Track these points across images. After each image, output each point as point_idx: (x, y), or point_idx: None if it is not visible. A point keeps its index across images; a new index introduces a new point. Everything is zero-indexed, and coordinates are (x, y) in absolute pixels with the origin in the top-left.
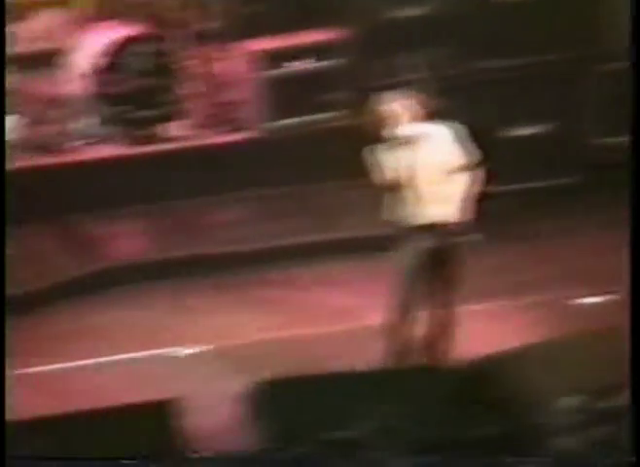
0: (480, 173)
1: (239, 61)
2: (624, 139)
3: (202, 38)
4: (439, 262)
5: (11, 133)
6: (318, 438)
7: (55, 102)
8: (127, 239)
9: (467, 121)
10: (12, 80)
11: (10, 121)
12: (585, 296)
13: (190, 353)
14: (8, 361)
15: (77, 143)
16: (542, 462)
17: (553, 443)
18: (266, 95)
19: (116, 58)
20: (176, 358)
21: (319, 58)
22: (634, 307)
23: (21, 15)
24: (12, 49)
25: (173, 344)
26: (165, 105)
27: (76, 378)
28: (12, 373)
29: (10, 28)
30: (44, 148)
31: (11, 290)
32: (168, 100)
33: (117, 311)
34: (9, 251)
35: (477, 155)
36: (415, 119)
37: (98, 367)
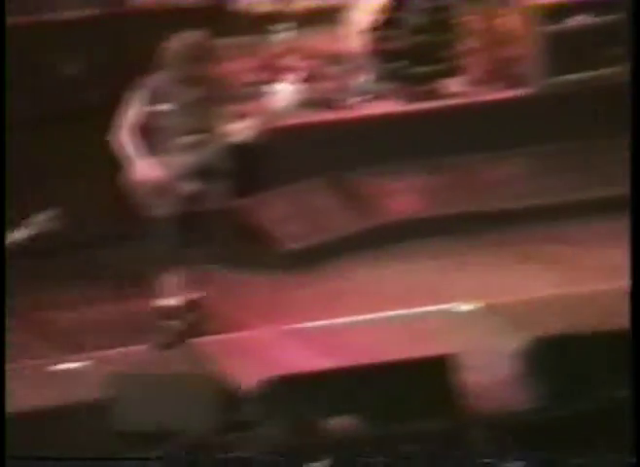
0: None
1: (518, 17)
2: None
3: None
4: None
5: (287, 96)
6: (598, 396)
7: (334, 59)
8: (405, 196)
9: None
10: (291, 36)
11: (283, 87)
12: None
13: (468, 310)
14: (282, 316)
15: (355, 99)
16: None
17: None
18: (544, 51)
19: (394, 14)
20: (454, 314)
21: (598, 14)
22: (634, 307)
23: None
24: (290, 6)
25: (451, 301)
26: (443, 61)
27: (350, 334)
28: (286, 327)
29: None
30: (322, 104)
31: (289, 245)
32: (445, 56)
33: (393, 267)
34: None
35: None
36: None
37: (373, 323)
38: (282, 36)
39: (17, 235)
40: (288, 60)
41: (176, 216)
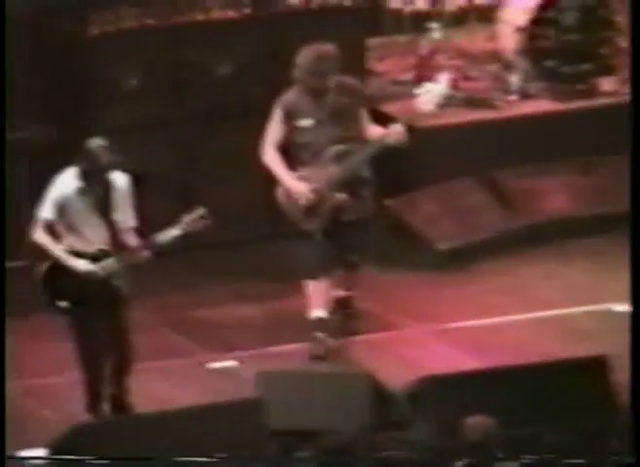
0: None
1: None
2: None
3: None
4: None
5: (437, 96)
6: None
7: (486, 58)
8: (556, 195)
9: None
10: (444, 35)
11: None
12: None
13: (622, 310)
14: (432, 315)
15: (507, 98)
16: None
17: None
18: None
19: (546, 13)
20: (607, 314)
21: None
22: (634, 307)
23: None
24: (443, 5)
25: (604, 301)
26: (595, 60)
27: (502, 334)
28: (437, 327)
29: None
30: (474, 103)
31: (440, 244)
32: (598, 55)
33: (545, 267)
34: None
35: None
36: None
37: (525, 323)
38: (435, 35)
39: (165, 235)
40: (440, 59)
41: (326, 227)
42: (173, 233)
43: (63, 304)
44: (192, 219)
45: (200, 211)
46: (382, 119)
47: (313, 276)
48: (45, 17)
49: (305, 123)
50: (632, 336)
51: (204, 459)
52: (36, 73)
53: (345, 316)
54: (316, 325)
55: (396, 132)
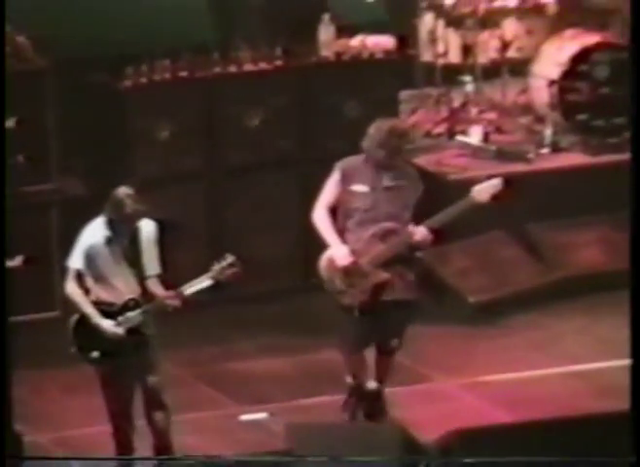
0: None
1: None
2: None
3: None
4: None
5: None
6: None
7: (519, 110)
8: (588, 249)
9: None
10: (476, 88)
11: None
12: None
13: None
14: (465, 368)
15: (541, 151)
16: None
17: None
18: None
19: (578, 66)
20: None
21: None
22: (634, 306)
23: (486, 23)
24: (475, 58)
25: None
26: (626, 115)
27: (533, 388)
28: (469, 380)
29: (476, 37)
30: (508, 156)
31: (472, 297)
32: (630, 110)
33: (578, 321)
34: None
35: None
36: None
37: (557, 377)
38: (467, 88)
39: (196, 284)
40: (472, 112)
41: (366, 304)
42: (203, 282)
43: (95, 354)
44: (221, 267)
45: (230, 259)
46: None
47: (350, 351)
48: (78, 68)
49: (361, 188)
50: (632, 336)
51: (205, 459)
52: (69, 124)
53: (371, 413)
54: (355, 393)
55: (420, 234)
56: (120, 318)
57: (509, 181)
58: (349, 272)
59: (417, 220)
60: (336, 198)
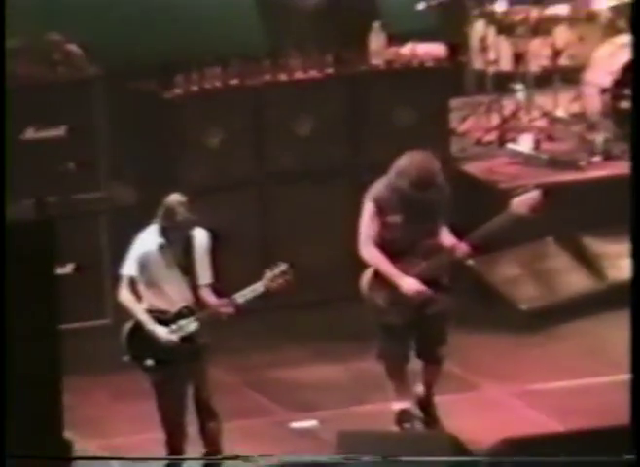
0: None
1: None
2: None
3: None
4: None
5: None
6: None
7: (571, 118)
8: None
9: None
10: (528, 96)
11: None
12: None
13: None
14: (514, 377)
15: (593, 159)
16: None
17: None
18: None
19: (629, 74)
20: None
21: None
22: (634, 305)
23: (538, 31)
24: (527, 66)
25: None
26: None
27: (585, 396)
28: (519, 388)
29: (527, 44)
30: (559, 164)
31: (522, 305)
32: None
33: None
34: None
35: None
36: None
37: (607, 386)
38: (519, 95)
39: (248, 292)
40: (524, 120)
41: (410, 321)
42: (256, 289)
43: (149, 362)
44: (274, 275)
45: (283, 266)
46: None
47: (394, 367)
48: (129, 76)
49: (395, 219)
50: (633, 334)
51: (205, 459)
52: (119, 132)
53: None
54: (400, 417)
55: (462, 250)
56: (173, 326)
57: (547, 192)
58: (393, 291)
59: (464, 229)
60: (376, 231)
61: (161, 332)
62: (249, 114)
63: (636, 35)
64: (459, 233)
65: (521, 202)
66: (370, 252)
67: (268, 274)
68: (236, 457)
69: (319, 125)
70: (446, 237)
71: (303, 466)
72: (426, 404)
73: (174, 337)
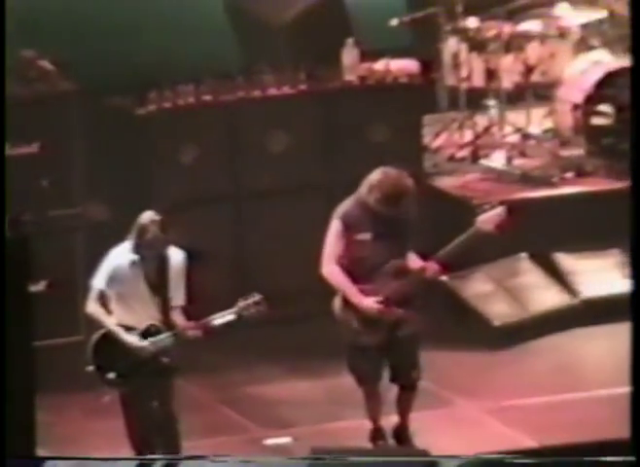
0: None
1: None
2: None
3: None
4: None
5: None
6: None
7: (544, 134)
8: (610, 273)
9: None
10: (494, 113)
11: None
12: None
13: None
14: (486, 393)
15: (565, 175)
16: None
17: None
18: None
19: (605, 91)
20: None
21: None
22: (634, 305)
23: (510, 47)
24: (499, 82)
25: None
26: None
27: (557, 412)
28: (490, 405)
29: (499, 61)
30: (532, 180)
31: (494, 322)
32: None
33: (597, 345)
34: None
35: None
36: None
37: (578, 401)
38: (491, 112)
39: (219, 319)
40: (496, 136)
41: (383, 342)
42: (227, 317)
43: (111, 375)
44: (247, 304)
45: (256, 297)
46: (438, 197)
47: (368, 388)
48: (103, 93)
49: (364, 236)
50: (633, 332)
51: (205, 458)
52: (93, 149)
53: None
54: (374, 434)
55: (432, 269)
56: (151, 339)
57: (512, 209)
58: (365, 313)
59: (437, 245)
60: (342, 250)
61: (132, 340)
62: (223, 131)
63: (635, 36)
64: (430, 250)
65: (487, 219)
66: (331, 271)
67: (241, 303)
68: (202, 457)
69: (292, 142)
70: (414, 260)
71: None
72: (401, 433)
73: (146, 343)
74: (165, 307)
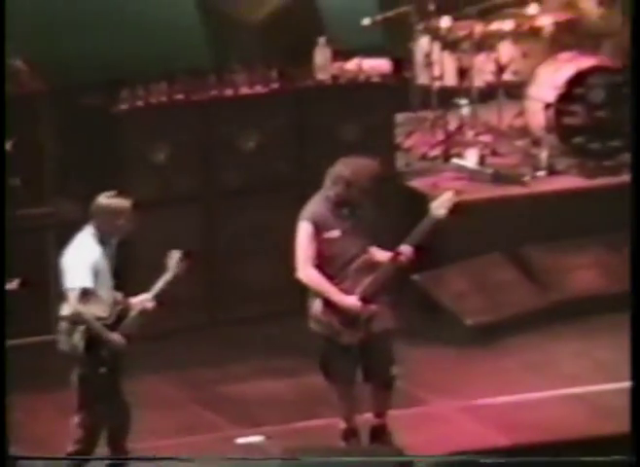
0: None
1: None
2: None
3: None
4: None
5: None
6: None
7: (516, 133)
8: (584, 272)
9: None
10: (472, 111)
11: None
12: None
13: None
14: (458, 391)
15: (537, 174)
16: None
17: None
18: None
19: (576, 90)
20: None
21: None
22: (634, 305)
23: (482, 46)
24: (471, 81)
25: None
26: (623, 137)
27: (528, 411)
28: (463, 403)
29: (471, 60)
30: (504, 179)
31: (468, 320)
32: (625, 132)
33: (572, 344)
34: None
35: None
36: None
37: (551, 400)
38: (463, 111)
39: (160, 283)
40: (468, 135)
41: (361, 340)
42: (165, 278)
43: (103, 369)
44: (176, 262)
45: (178, 253)
46: (410, 196)
47: (344, 387)
48: (74, 92)
49: (333, 234)
50: (632, 332)
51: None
52: (65, 147)
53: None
54: (347, 433)
55: (405, 256)
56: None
57: (460, 193)
58: (346, 312)
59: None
60: (315, 251)
61: (117, 338)
62: (195, 129)
63: (636, 31)
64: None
65: (438, 206)
66: (309, 274)
67: (170, 263)
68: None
69: (264, 141)
70: (381, 253)
71: None
72: (381, 433)
73: (124, 340)
74: (124, 291)
